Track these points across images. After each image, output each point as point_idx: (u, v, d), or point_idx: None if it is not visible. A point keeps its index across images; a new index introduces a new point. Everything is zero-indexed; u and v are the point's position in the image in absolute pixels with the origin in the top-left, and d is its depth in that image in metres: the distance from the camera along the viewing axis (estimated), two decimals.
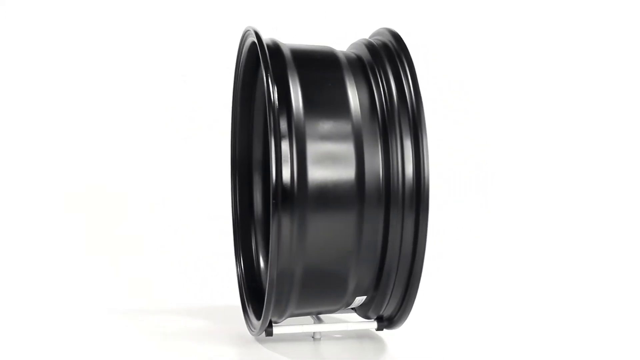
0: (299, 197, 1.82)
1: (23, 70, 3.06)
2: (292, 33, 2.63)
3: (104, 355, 2.02)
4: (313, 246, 1.85)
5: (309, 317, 2.08)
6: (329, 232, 1.85)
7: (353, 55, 2.01)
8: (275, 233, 1.81)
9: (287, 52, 1.95)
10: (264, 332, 1.98)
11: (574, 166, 3.08)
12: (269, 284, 1.84)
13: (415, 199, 1.86)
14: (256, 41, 1.92)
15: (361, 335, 2.10)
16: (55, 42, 3.07)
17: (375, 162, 1.87)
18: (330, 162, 1.84)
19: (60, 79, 3.06)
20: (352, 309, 2.07)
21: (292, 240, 1.83)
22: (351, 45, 2.09)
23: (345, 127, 1.87)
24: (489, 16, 3.17)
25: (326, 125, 1.86)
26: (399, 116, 1.89)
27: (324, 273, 1.89)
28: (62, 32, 3.08)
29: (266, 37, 2.00)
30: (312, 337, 2.08)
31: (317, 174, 1.83)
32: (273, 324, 1.99)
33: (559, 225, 2.90)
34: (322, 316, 2.09)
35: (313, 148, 1.84)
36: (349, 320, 2.08)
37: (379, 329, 2.03)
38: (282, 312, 1.94)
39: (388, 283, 1.92)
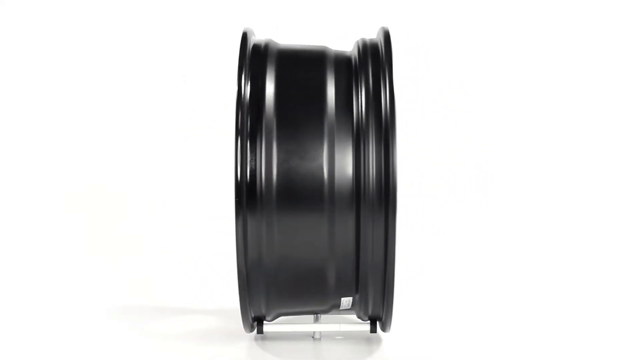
0: (265, 195, 1.82)
1: (23, 70, 3.06)
2: (300, 34, 2.64)
3: (104, 355, 2.02)
4: (283, 243, 1.85)
5: (308, 316, 2.07)
6: (298, 230, 1.85)
7: (345, 55, 2.00)
8: (241, 231, 1.82)
9: (273, 51, 1.95)
10: (255, 331, 1.99)
11: (573, 166, 3.07)
12: (238, 280, 1.86)
13: (384, 202, 1.84)
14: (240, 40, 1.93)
15: (361, 336, 2.10)
16: (55, 42, 3.07)
17: (345, 163, 1.85)
18: (299, 160, 1.84)
19: (60, 79, 3.06)
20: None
21: (260, 237, 1.84)
22: (353, 44, 2.09)
23: (317, 126, 1.85)
24: (489, 16, 3.17)
25: (298, 124, 1.85)
26: (372, 118, 1.87)
27: (298, 270, 1.88)
28: (62, 32, 3.08)
29: (260, 37, 2.00)
30: (312, 337, 2.09)
31: (284, 171, 1.83)
32: (264, 323, 1.99)
33: (559, 225, 2.89)
34: (321, 316, 2.08)
35: (282, 146, 1.83)
36: (345, 321, 2.08)
37: (372, 330, 2.03)
38: (267, 309, 1.94)
39: (367, 285, 1.91)
